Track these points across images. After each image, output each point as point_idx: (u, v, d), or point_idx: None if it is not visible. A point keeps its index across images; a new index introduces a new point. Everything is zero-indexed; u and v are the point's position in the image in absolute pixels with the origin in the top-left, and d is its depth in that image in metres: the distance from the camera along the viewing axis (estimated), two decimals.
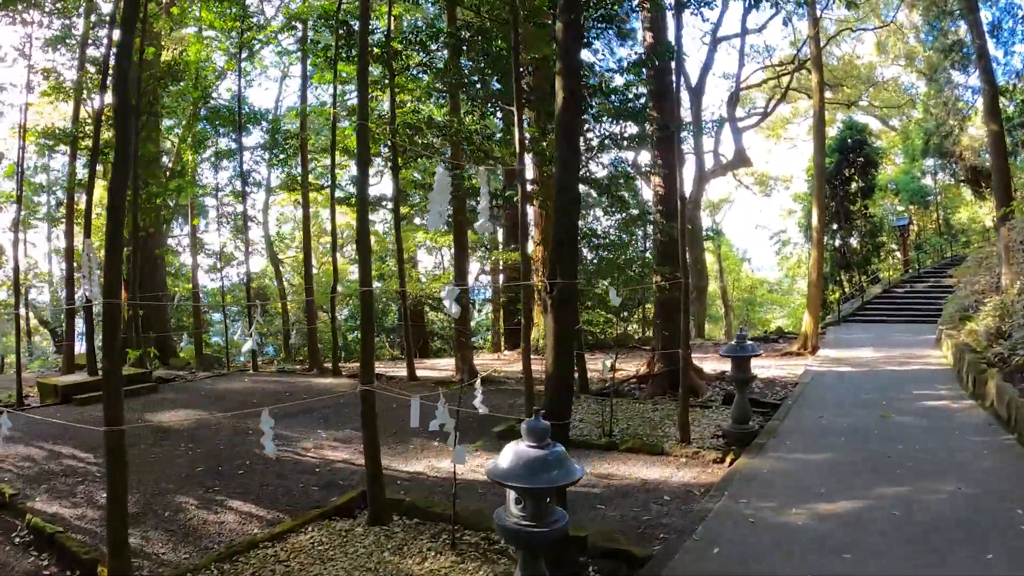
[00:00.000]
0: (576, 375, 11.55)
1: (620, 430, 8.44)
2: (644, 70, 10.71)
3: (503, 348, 21.73)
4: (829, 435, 7.53)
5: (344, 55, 12.69)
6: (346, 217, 30.68)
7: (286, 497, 6.63)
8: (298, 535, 5.56)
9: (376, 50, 12.21)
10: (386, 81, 12.23)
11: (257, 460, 7.84)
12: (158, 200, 14.60)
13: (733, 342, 7.82)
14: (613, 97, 10.35)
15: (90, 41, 12.84)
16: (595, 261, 12.96)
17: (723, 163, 23.41)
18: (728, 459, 6.89)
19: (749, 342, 7.79)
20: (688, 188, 21.52)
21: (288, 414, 10.13)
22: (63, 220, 16.71)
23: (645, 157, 16.23)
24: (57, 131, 12.35)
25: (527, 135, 10.92)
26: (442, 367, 17.59)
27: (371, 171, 15.91)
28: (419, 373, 15.10)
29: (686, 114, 20.18)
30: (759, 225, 60.52)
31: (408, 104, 13.49)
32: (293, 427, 9.41)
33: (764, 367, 13.21)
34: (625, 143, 10.80)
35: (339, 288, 28.02)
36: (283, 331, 23.61)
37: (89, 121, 13.37)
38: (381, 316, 25.32)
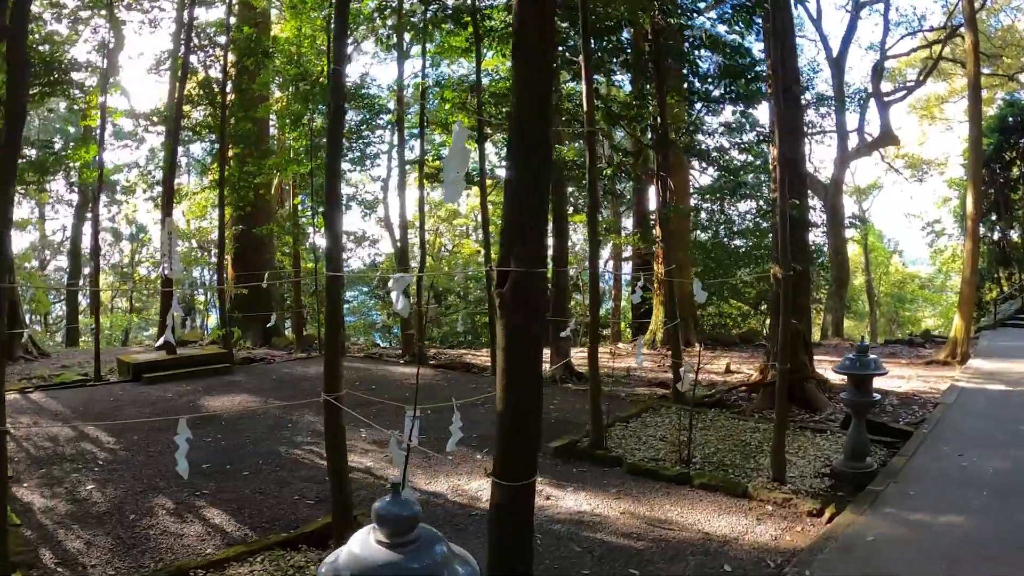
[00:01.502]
0: (671, 378, 9.73)
1: (703, 456, 6.58)
2: (759, 21, 8.61)
3: (623, 339, 19.83)
4: (968, 486, 5.28)
5: (434, 20, 11.54)
6: (474, 199, 29.91)
7: (271, 510, 5.53)
8: (241, 566, 4.44)
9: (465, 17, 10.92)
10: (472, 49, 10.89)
11: (271, 459, 6.86)
12: (256, 179, 14.21)
13: (851, 355, 5.77)
14: (718, 53, 8.34)
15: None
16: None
17: (868, 141, 20.02)
18: (828, 513, 4.94)
19: (872, 355, 5.69)
20: (829, 170, 18.64)
21: (347, 405, 9.10)
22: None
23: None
24: (140, 113, 12.16)
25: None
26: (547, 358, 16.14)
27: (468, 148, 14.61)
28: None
29: (826, 87, 17.44)
30: (909, 214, 53.19)
31: (499, 70, 12.07)
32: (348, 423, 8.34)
33: (903, 377, 10.62)
34: (733, 105, 8.74)
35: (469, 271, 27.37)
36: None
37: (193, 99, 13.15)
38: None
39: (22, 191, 15.40)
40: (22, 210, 24.15)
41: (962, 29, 15.22)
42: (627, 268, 22.10)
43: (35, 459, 6.70)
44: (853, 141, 19.02)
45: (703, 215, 19.17)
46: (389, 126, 16.16)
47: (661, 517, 5.16)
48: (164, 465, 6.56)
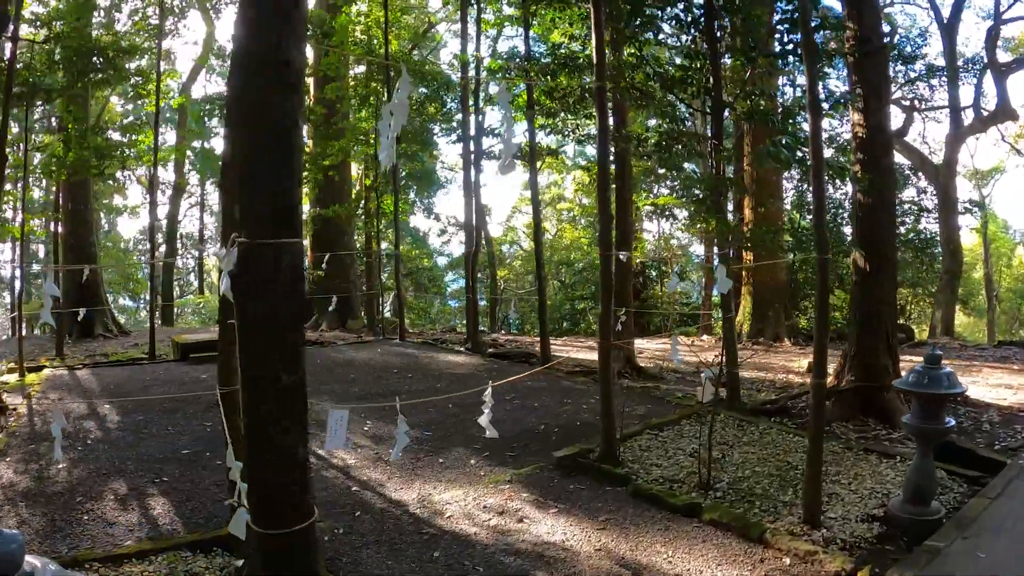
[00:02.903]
0: (723, 384, 8.25)
1: (731, 480, 5.28)
2: None
3: (708, 331, 18.10)
4: None
5: None
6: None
7: (217, 505, 4.92)
8: (139, 563, 3.92)
9: None
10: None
11: None
12: (325, 161, 13.85)
13: (918, 367, 4.31)
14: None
15: None
16: None
17: (982, 116, 17.02)
18: None
19: (945, 368, 4.20)
20: (940, 152, 16.02)
21: (361, 395, 8.46)
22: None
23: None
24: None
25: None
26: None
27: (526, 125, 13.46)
28: (570, 354, 12.69)
29: (938, 59, 14.98)
30: None
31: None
32: (356, 412, 7.66)
33: (1012, 387, 8.54)
34: (798, 61, 7.16)
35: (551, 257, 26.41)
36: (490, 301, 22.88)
37: None
38: (593, 287, 23.18)
39: (124, 176, 15.88)
40: (135, 196, 25.56)
41: None
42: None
43: (34, 435, 6.47)
44: (968, 118, 16.26)
45: (810, 197, 17.19)
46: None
47: (643, 561, 4.02)
48: (144, 447, 6.17)
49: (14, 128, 10.63)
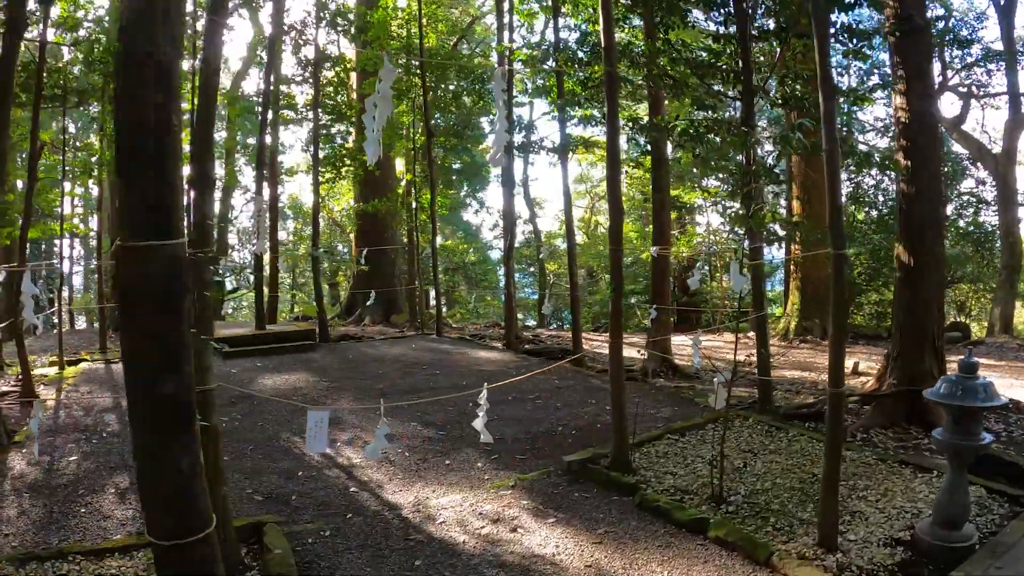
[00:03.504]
0: (757, 392, 7.76)
1: (748, 493, 4.86)
2: None
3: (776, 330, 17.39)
4: None
5: None
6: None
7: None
8: (121, 558, 3.85)
9: None
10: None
11: (263, 445, 6.30)
12: (364, 155, 13.80)
13: (951, 376, 3.82)
14: None
15: None
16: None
17: None
18: None
19: (982, 377, 3.70)
20: (1000, 141, 14.83)
21: (385, 392, 8.31)
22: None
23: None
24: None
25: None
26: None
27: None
28: (604, 351, 12.28)
29: (996, 43, 13.86)
30: None
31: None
32: (372, 410, 7.52)
33: None
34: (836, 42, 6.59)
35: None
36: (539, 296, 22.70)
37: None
38: (643, 281, 22.69)
39: None
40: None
41: None
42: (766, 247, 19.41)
43: (56, 427, 6.56)
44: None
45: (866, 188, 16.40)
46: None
47: None
48: None
49: (71, 128, 10.96)
